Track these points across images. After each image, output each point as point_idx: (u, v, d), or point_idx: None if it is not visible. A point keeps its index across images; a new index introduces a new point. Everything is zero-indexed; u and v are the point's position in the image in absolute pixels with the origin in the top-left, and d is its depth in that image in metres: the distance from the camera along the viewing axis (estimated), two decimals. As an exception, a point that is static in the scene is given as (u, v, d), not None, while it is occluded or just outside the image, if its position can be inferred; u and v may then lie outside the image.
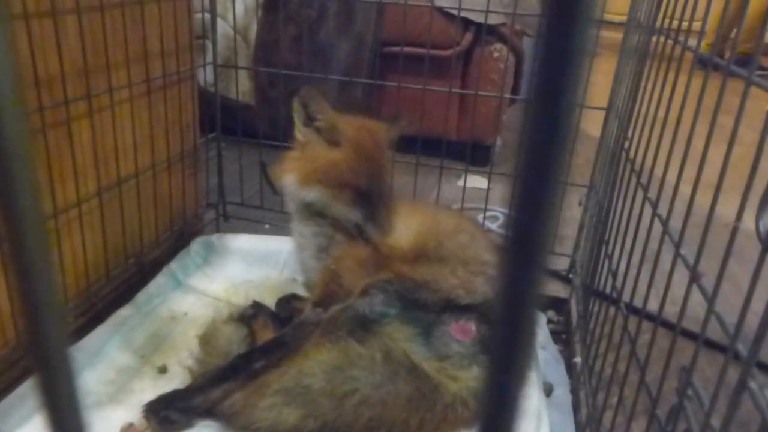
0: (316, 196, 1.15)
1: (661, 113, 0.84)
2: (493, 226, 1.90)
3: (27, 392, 0.98)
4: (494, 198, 1.73)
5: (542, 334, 1.28)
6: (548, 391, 1.14)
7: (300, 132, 1.18)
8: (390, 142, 1.23)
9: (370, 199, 1.13)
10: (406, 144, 1.32)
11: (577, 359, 1.20)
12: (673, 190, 0.72)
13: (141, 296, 1.25)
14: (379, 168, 1.16)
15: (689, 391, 0.61)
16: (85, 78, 1.09)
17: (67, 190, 1.09)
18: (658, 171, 0.82)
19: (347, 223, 1.16)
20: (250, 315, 1.18)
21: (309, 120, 1.16)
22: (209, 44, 1.80)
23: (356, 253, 1.15)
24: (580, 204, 1.51)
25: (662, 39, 0.91)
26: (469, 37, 2.26)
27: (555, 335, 1.35)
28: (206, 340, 1.09)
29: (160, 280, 1.32)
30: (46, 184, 1.04)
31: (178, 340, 1.17)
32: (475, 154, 1.83)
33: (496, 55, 2.29)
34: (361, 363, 0.95)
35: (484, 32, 2.21)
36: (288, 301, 1.27)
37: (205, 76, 1.74)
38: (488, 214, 1.83)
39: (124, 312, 1.19)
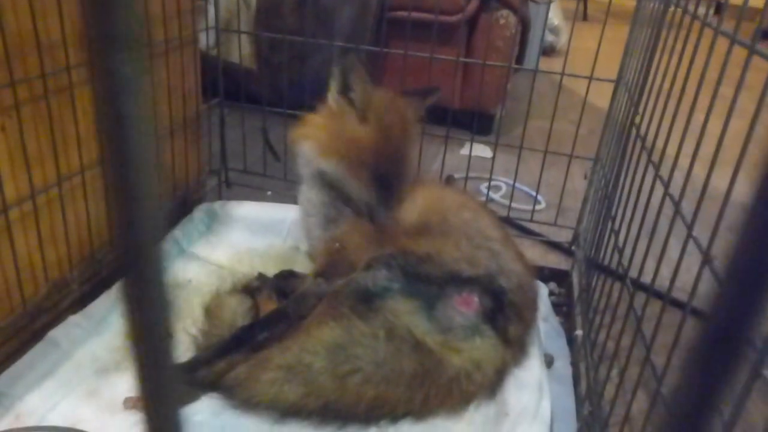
0: (333, 168, 1.14)
1: (676, 88, 0.83)
2: (496, 195, 1.89)
3: (35, 358, 0.99)
4: (497, 167, 1.72)
5: (543, 306, 1.29)
6: (549, 363, 1.15)
7: (333, 99, 1.16)
8: (419, 118, 1.22)
9: (387, 183, 1.12)
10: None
11: (579, 332, 1.21)
12: (687, 172, 0.72)
13: (145, 264, 1.25)
14: (402, 153, 1.15)
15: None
16: (87, 43, 1.07)
17: (71, 157, 1.08)
18: (671, 148, 0.81)
19: (358, 202, 1.15)
20: (255, 287, 1.18)
21: (345, 89, 1.14)
22: (210, 7, 1.76)
23: (363, 228, 1.14)
24: (585, 177, 1.50)
25: (680, 11, 0.89)
26: (475, 2, 2.22)
27: (556, 307, 1.37)
28: (211, 311, 1.09)
29: (163, 248, 1.31)
30: (49, 151, 1.03)
31: (183, 308, 1.18)
32: (478, 123, 1.81)
33: (502, 21, 2.25)
34: (364, 341, 0.95)
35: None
36: (285, 278, 1.26)
37: (207, 39, 1.70)
38: (492, 183, 1.82)
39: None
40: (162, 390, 0.23)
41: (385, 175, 1.12)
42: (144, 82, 0.20)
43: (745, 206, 0.18)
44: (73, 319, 1.07)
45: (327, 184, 1.18)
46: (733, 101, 0.63)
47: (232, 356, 0.97)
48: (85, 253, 1.17)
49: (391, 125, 1.13)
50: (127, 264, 0.21)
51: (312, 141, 1.16)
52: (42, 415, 0.91)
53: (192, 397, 0.95)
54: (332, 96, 1.16)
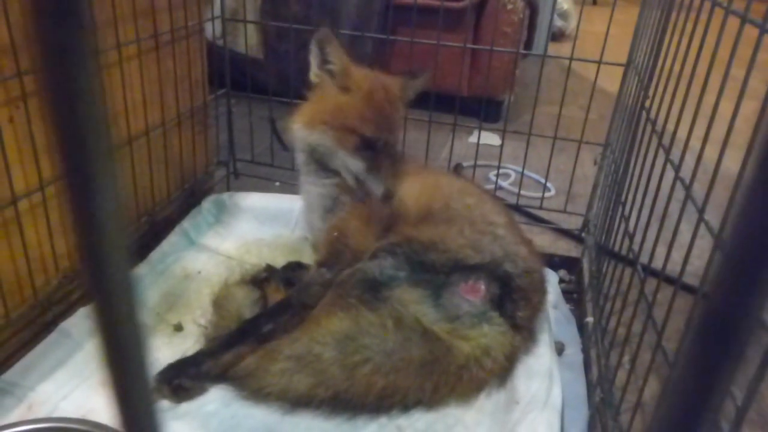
0: (320, 137, 1.16)
1: (686, 71, 0.82)
2: (505, 183, 1.88)
3: (47, 349, 1.00)
4: (506, 155, 1.71)
5: (554, 293, 1.28)
6: (560, 350, 1.15)
7: (313, 74, 1.18)
8: (406, 97, 1.22)
9: (374, 149, 1.12)
10: (418, 100, 1.30)
11: (589, 319, 1.20)
12: (698, 155, 0.71)
13: (155, 255, 1.26)
14: (387, 120, 1.15)
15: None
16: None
17: (78, 149, 1.08)
18: (682, 131, 0.80)
19: (348, 175, 1.15)
20: (263, 278, 1.18)
21: (323, 63, 1.16)
22: (216, -4, 1.75)
23: (361, 213, 1.15)
24: (595, 163, 1.49)
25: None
26: (482, -13, 2.20)
27: (566, 294, 1.36)
28: (219, 303, 1.10)
29: (173, 239, 1.32)
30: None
31: (192, 299, 1.18)
32: (486, 110, 1.79)
33: (509, 6, 2.23)
34: (373, 331, 0.95)
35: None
36: (293, 269, 1.27)
37: (213, 29, 1.69)
38: (501, 171, 1.81)
39: (138, 271, 1.20)
40: (140, 415, 0.22)
41: (371, 140, 1.12)
42: (100, 96, 0.18)
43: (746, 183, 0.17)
44: (85, 311, 1.08)
45: (321, 166, 1.19)
46: (745, 82, 0.61)
47: (238, 348, 0.97)
48: (95, 244, 1.17)
49: (373, 92, 1.14)
50: (93, 291, 0.20)
51: (299, 119, 1.19)
52: (54, 405, 0.91)
53: (199, 391, 0.96)
54: (313, 71, 1.17)
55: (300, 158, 1.24)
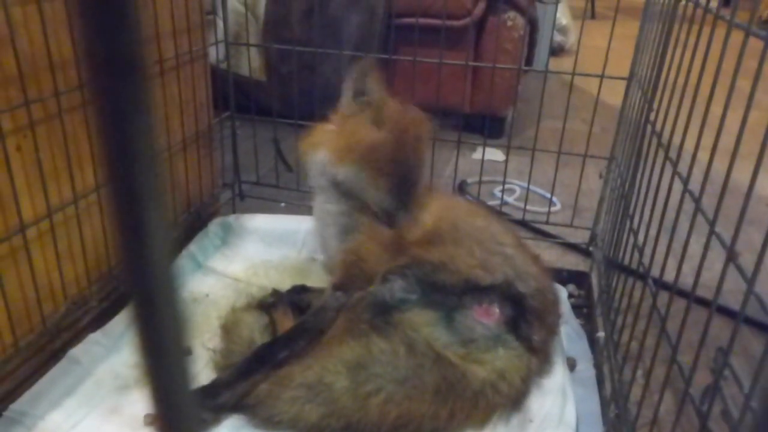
0: (351, 176, 1.11)
1: (691, 82, 0.82)
2: (510, 199, 1.88)
3: (56, 377, 0.99)
4: (511, 170, 1.71)
5: (564, 308, 1.27)
6: (571, 366, 1.14)
7: (347, 104, 1.12)
8: (430, 135, 1.21)
9: (405, 188, 1.10)
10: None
11: (600, 334, 1.19)
12: (707, 166, 0.70)
13: (162, 279, 1.25)
14: (417, 159, 1.13)
15: (725, 372, 0.60)
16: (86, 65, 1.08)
17: (86, 175, 1.09)
18: (689, 143, 0.80)
19: (376, 208, 1.12)
20: (270, 303, 1.17)
21: (359, 93, 1.11)
22: (219, 21, 1.77)
23: (379, 237, 1.12)
24: (600, 176, 1.48)
25: (691, 5, 0.88)
26: (482, 5, 2.22)
27: (576, 309, 1.35)
28: (228, 329, 1.08)
29: (180, 262, 1.32)
30: (64, 169, 1.04)
31: (201, 322, 1.18)
32: (489, 126, 1.80)
33: (509, 23, 2.24)
34: (384, 359, 0.93)
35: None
36: (298, 293, 1.25)
37: (217, 52, 1.71)
38: (506, 187, 1.81)
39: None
40: (178, 412, 0.22)
41: (403, 180, 1.10)
42: (151, 103, 0.19)
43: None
44: (93, 337, 1.07)
45: (343, 193, 1.15)
46: (752, 93, 0.61)
47: (254, 376, 0.95)
48: (103, 269, 1.17)
49: (407, 131, 1.11)
50: (136, 286, 0.20)
51: (326, 149, 1.13)
52: (64, 434, 0.91)
53: (216, 423, 0.94)
54: (346, 100, 1.13)
55: (320, 181, 1.19)
